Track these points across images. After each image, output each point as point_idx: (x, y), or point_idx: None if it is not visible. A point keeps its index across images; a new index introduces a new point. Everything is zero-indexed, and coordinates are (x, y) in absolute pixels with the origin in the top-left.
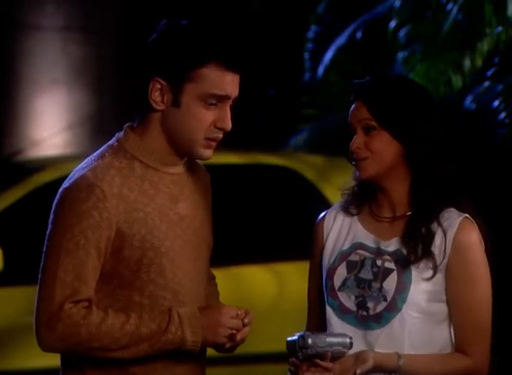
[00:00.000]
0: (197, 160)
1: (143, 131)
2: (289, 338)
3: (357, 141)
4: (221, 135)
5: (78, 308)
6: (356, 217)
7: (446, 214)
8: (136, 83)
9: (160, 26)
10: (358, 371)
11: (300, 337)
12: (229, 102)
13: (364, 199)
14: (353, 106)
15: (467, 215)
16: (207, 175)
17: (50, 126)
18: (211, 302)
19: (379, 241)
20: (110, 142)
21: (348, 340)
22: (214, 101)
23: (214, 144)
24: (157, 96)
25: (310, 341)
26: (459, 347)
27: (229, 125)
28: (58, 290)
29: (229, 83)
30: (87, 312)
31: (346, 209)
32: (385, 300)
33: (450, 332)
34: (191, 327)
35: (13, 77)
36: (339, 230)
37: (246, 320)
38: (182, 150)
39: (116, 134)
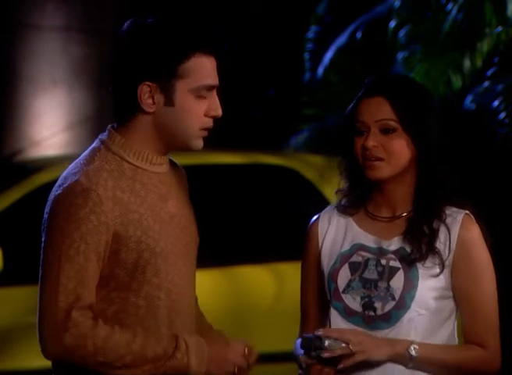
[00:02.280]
0: (187, 161)
1: (128, 132)
2: (305, 335)
3: (375, 138)
4: (212, 123)
5: (85, 317)
6: (351, 218)
7: (448, 211)
8: (114, 89)
9: (127, 29)
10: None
11: (316, 337)
12: (215, 89)
13: (359, 200)
14: (368, 101)
15: (467, 211)
16: (184, 173)
17: (50, 126)
18: (211, 335)
19: (380, 241)
20: (95, 145)
21: None
22: (203, 92)
23: (206, 133)
24: (147, 99)
25: (327, 343)
26: (471, 340)
27: (220, 112)
28: (62, 297)
29: (213, 71)
30: (94, 324)
31: (341, 210)
32: (394, 299)
33: (454, 328)
34: (197, 357)
35: (13, 77)
36: (336, 232)
37: (251, 360)
38: (177, 145)
39: (99, 136)
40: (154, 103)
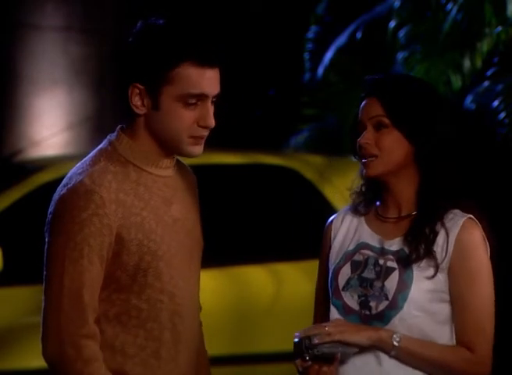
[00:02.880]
0: (187, 160)
1: (133, 134)
2: (295, 339)
3: (367, 136)
4: (206, 133)
5: (94, 338)
6: (363, 218)
7: (451, 215)
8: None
9: (135, 29)
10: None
11: (306, 337)
12: (210, 99)
13: (372, 200)
14: (364, 102)
15: (471, 215)
16: (193, 177)
17: (50, 126)
18: None
19: (383, 241)
20: (103, 145)
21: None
22: (193, 101)
23: (201, 141)
24: (137, 101)
25: (316, 341)
26: (460, 343)
27: (211, 123)
28: (65, 299)
29: (206, 81)
30: (97, 355)
31: (354, 210)
32: (387, 299)
33: (452, 334)
34: None
35: (13, 77)
36: (347, 231)
37: None
38: (170, 150)
39: (108, 137)
40: (143, 105)
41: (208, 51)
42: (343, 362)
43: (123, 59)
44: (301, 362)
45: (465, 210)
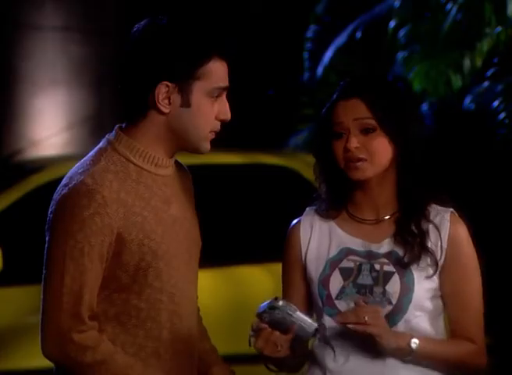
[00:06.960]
0: (187, 160)
1: (136, 133)
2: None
3: (354, 139)
4: (220, 127)
5: (91, 327)
6: (333, 222)
7: (433, 210)
8: (126, 88)
9: (144, 30)
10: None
11: (273, 299)
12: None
13: (339, 202)
14: (343, 103)
15: (452, 209)
16: (190, 176)
17: (50, 126)
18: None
19: (369, 244)
20: (101, 145)
21: (315, 326)
22: (217, 94)
23: (214, 136)
24: (164, 99)
25: (281, 303)
26: (460, 336)
27: (229, 116)
28: (66, 298)
29: (226, 74)
30: (99, 338)
31: (321, 214)
32: (390, 303)
33: (442, 326)
34: None
35: (13, 77)
36: (319, 237)
37: None
38: (186, 147)
39: (106, 136)
40: (169, 103)
41: (230, 46)
42: (346, 359)
43: (145, 59)
44: (258, 322)
45: (442, 203)
